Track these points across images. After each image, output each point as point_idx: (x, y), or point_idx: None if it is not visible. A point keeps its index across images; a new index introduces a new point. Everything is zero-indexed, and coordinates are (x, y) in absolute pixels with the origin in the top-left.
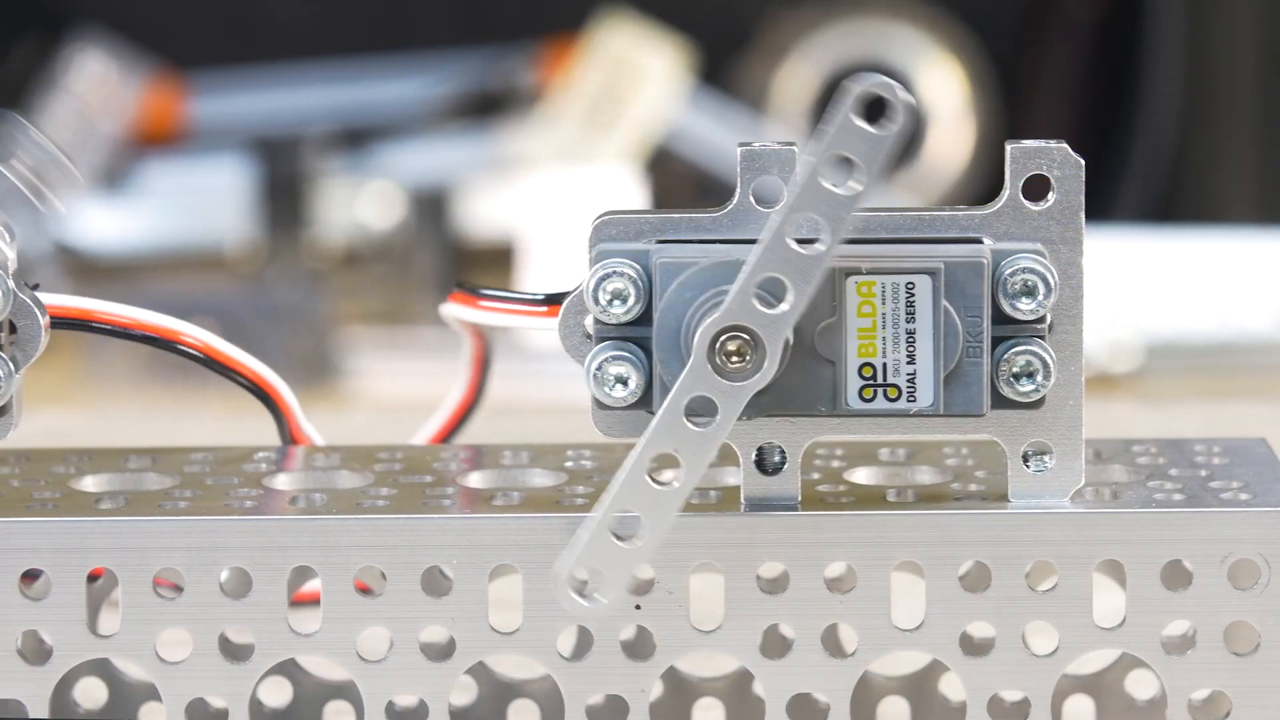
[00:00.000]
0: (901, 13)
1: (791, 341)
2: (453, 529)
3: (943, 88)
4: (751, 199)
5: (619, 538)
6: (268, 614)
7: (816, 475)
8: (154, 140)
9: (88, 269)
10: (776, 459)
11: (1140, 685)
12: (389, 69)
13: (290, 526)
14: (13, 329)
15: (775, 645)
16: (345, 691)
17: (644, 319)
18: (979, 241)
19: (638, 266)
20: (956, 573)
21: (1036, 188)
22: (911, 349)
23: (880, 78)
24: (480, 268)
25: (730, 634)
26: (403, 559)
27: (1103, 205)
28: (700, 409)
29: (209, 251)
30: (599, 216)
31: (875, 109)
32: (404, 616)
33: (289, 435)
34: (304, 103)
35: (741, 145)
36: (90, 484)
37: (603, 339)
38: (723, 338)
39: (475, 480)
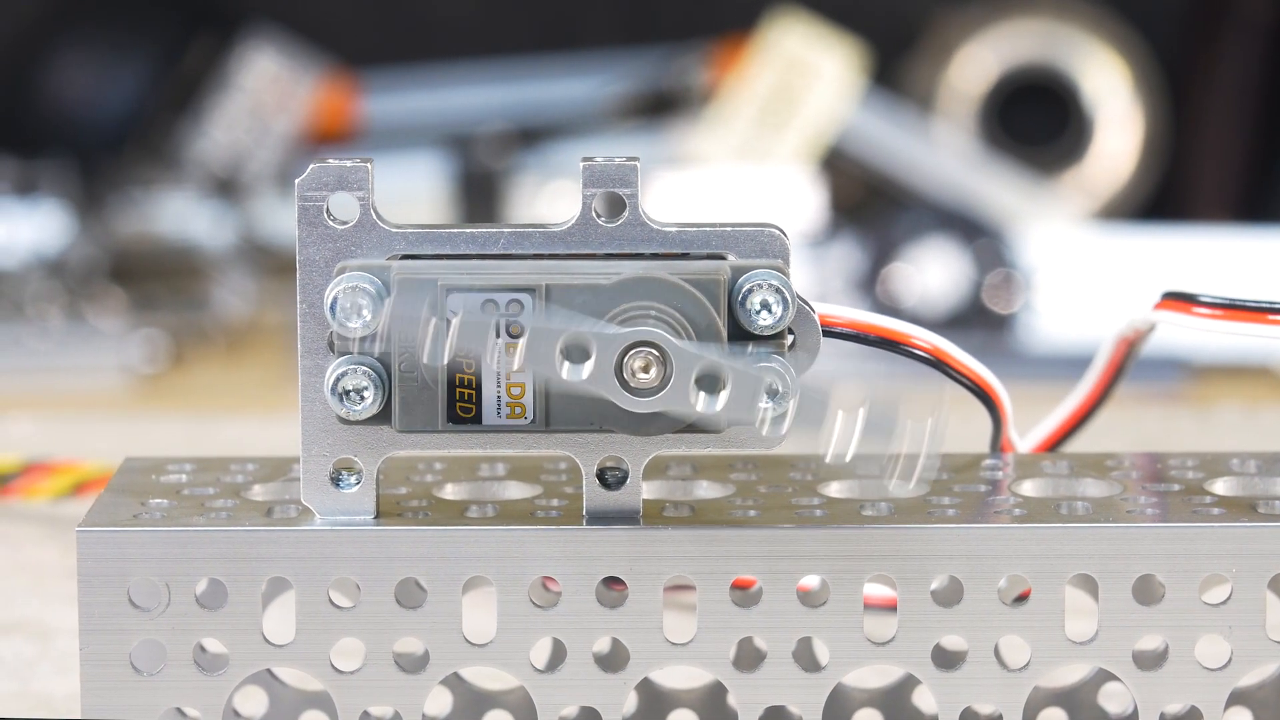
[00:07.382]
0: (1068, 12)
1: None
2: (1232, 537)
3: (1109, 88)
4: None
5: None
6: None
7: None
8: (328, 138)
9: (271, 264)
10: None
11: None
12: (558, 68)
13: (1072, 534)
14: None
15: None
16: None
17: None
18: None
19: None
20: None
21: None
22: None
23: None
24: None
25: None
26: (1182, 566)
27: (1278, 209)
28: None
29: None
30: None
31: None
32: (1185, 624)
33: (1000, 440)
34: (477, 101)
35: None
36: (835, 490)
37: None
38: None
39: (1220, 488)
